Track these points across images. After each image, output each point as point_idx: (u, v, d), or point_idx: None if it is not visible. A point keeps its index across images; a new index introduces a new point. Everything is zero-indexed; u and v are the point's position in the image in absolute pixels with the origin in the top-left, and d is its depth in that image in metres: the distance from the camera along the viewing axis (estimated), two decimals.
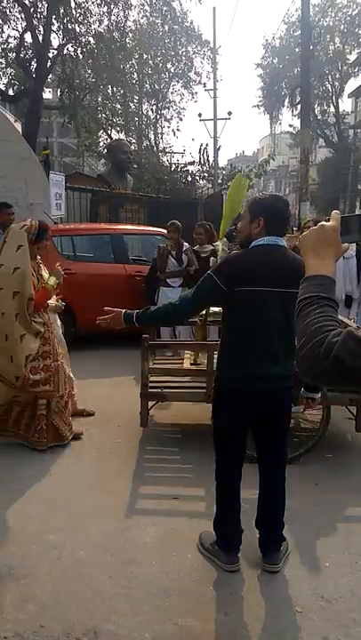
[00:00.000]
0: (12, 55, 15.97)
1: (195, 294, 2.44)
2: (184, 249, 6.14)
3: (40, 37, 14.08)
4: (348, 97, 30.27)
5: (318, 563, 2.63)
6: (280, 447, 2.59)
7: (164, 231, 6.42)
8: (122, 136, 19.72)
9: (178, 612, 2.27)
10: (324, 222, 1.22)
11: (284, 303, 2.29)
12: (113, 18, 15.54)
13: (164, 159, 18.88)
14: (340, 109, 29.00)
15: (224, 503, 2.59)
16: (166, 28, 19.39)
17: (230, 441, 2.52)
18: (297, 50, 19.59)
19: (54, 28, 14.55)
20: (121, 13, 15.77)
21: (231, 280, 2.31)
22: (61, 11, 14.03)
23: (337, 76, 27.34)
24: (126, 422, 4.36)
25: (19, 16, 14.93)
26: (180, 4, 18.52)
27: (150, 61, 20.80)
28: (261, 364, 2.36)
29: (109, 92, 18.88)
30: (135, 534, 2.83)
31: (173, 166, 17.16)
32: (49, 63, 14.75)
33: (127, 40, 17.33)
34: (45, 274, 3.94)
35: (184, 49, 20.53)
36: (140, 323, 2.56)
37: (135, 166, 15.94)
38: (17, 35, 15.47)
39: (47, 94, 20.00)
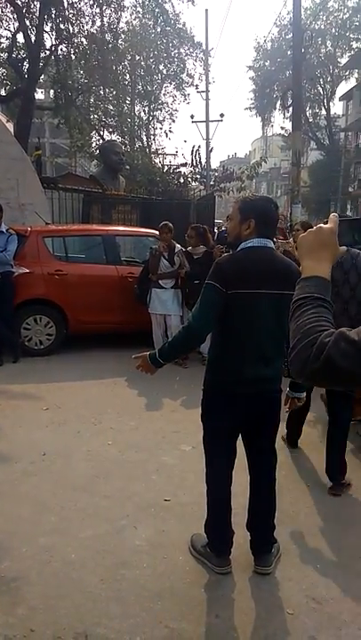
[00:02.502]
0: (3, 55, 15.93)
1: (201, 306, 2.35)
2: (176, 250, 6.14)
3: (32, 38, 14.04)
4: (340, 100, 30.56)
5: (309, 564, 2.63)
6: (269, 448, 2.59)
7: (157, 232, 6.42)
8: (114, 137, 19.71)
9: (169, 615, 2.27)
10: (321, 224, 1.23)
11: (276, 304, 2.30)
12: (105, 19, 15.54)
13: (157, 160, 18.88)
14: (332, 112, 29.25)
15: (215, 506, 2.58)
16: (159, 29, 19.37)
17: (221, 444, 2.52)
18: (289, 53, 19.67)
19: (47, 28, 14.53)
20: (113, 14, 15.78)
21: (227, 282, 2.29)
22: (53, 11, 14.00)
23: (328, 79, 27.57)
24: (118, 424, 4.35)
25: (11, 16, 14.89)
26: (173, 6, 18.60)
27: (143, 63, 20.82)
28: (253, 366, 2.36)
29: (102, 92, 18.85)
30: (126, 537, 2.82)
31: (166, 168, 17.15)
32: (41, 64, 14.71)
33: (119, 41, 17.31)
34: None
35: (176, 51, 20.52)
36: (163, 359, 2.47)
37: (128, 167, 15.91)
38: (9, 35, 15.44)
39: (39, 95, 19.97)
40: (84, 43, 15.57)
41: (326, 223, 1.23)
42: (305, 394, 2.68)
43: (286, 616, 2.29)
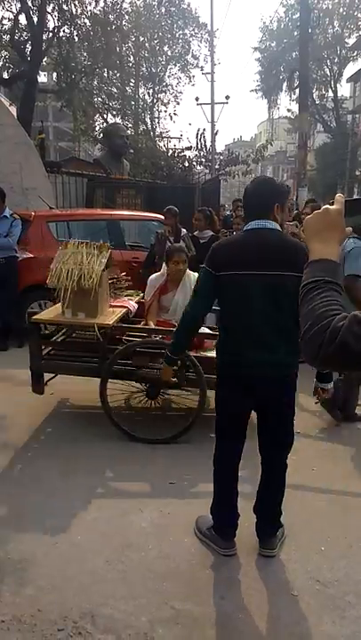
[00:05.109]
0: (6, 38, 15.69)
1: (196, 290, 2.53)
2: (182, 235, 6.10)
3: (35, 19, 13.84)
4: (347, 82, 30.00)
5: (314, 547, 2.64)
6: (281, 434, 2.53)
7: (162, 217, 6.37)
8: (118, 120, 19.51)
9: (174, 596, 2.29)
10: (328, 206, 1.20)
11: (272, 286, 2.25)
12: None
13: (161, 144, 18.71)
14: (339, 94, 28.70)
15: (221, 488, 2.59)
16: (163, 10, 19.12)
17: (230, 426, 2.52)
18: (295, 33, 19.33)
19: (49, 9, 14.30)
20: None
21: (217, 265, 2.36)
22: None
23: (335, 60, 27.00)
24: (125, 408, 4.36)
25: None
26: None
27: (147, 44, 20.53)
28: (252, 350, 2.33)
29: (105, 75, 18.62)
30: (132, 519, 2.84)
31: (170, 151, 17.00)
32: (44, 46, 14.52)
33: (123, 22, 17.06)
34: None
35: (181, 32, 20.27)
36: (175, 353, 2.80)
37: (132, 151, 15.77)
38: (11, 16, 15.21)
39: (42, 77, 19.75)
40: (88, 24, 15.38)
41: (333, 204, 1.21)
42: (331, 385, 2.68)
43: (291, 598, 2.31)
